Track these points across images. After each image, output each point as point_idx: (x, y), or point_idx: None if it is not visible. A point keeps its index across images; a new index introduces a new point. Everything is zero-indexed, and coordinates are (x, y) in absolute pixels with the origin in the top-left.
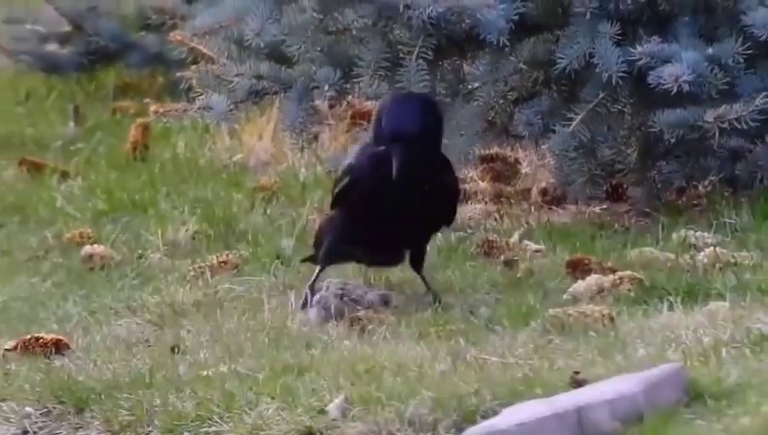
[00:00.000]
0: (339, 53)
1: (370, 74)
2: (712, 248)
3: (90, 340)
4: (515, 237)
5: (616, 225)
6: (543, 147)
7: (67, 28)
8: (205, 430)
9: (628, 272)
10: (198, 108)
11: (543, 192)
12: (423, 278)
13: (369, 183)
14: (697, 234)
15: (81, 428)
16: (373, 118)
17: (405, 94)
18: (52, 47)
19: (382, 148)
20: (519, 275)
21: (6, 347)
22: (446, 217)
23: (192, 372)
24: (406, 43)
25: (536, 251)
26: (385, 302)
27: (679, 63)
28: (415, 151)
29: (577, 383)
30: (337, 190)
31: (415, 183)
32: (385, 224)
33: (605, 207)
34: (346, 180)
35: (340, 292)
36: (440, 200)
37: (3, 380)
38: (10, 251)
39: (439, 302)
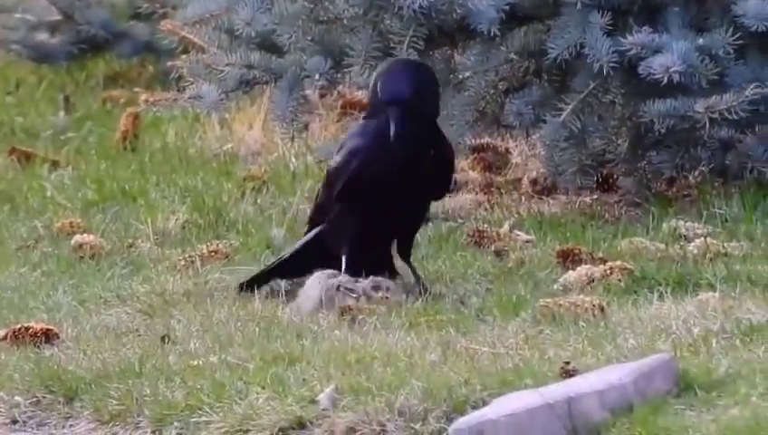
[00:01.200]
0: (329, 42)
1: (361, 64)
2: (702, 239)
3: (79, 329)
4: (506, 227)
5: (606, 215)
6: (534, 137)
7: (57, 17)
8: (194, 419)
9: (619, 262)
10: (189, 97)
11: (534, 182)
12: (411, 267)
13: (377, 159)
14: (688, 224)
15: (70, 417)
16: (370, 85)
17: (399, 60)
18: (42, 36)
19: (377, 119)
20: (509, 266)
21: None
22: (441, 188)
23: (182, 362)
24: (397, 32)
25: (527, 241)
26: (376, 288)
27: (670, 54)
28: (411, 114)
29: (567, 373)
30: (344, 178)
31: (414, 147)
32: (388, 204)
33: (595, 197)
34: (355, 163)
35: (334, 281)
36: (437, 170)
37: None
38: (0, 241)
39: (428, 291)
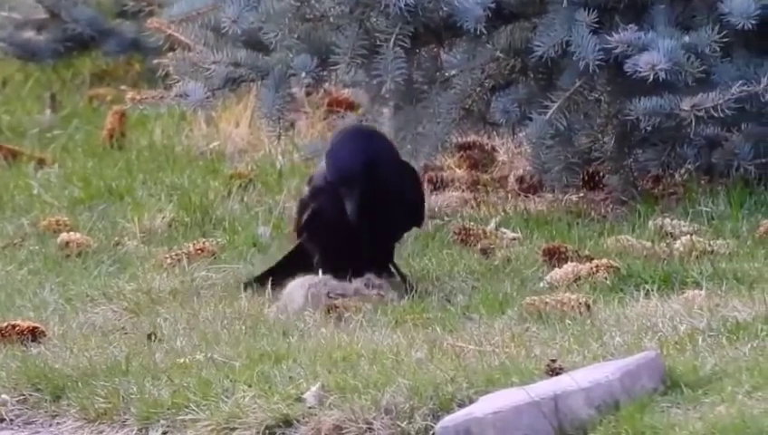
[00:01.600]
0: (316, 40)
1: (347, 62)
2: (688, 236)
3: (66, 327)
4: (492, 225)
5: (592, 213)
6: (520, 135)
7: (43, 15)
8: (181, 417)
9: (605, 260)
10: (175, 95)
11: (520, 180)
12: (395, 266)
13: (333, 213)
14: (674, 222)
15: (57, 415)
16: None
17: (347, 132)
18: (28, 34)
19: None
20: (496, 263)
21: None
22: (413, 224)
23: (168, 360)
24: (383, 30)
25: (513, 239)
26: (368, 285)
27: (656, 52)
28: (366, 186)
29: (553, 371)
30: (306, 217)
31: (377, 212)
32: (354, 239)
33: (581, 195)
34: (315, 205)
35: (322, 288)
36: (406, 215)
37: None
38: None
39: (414, 289)
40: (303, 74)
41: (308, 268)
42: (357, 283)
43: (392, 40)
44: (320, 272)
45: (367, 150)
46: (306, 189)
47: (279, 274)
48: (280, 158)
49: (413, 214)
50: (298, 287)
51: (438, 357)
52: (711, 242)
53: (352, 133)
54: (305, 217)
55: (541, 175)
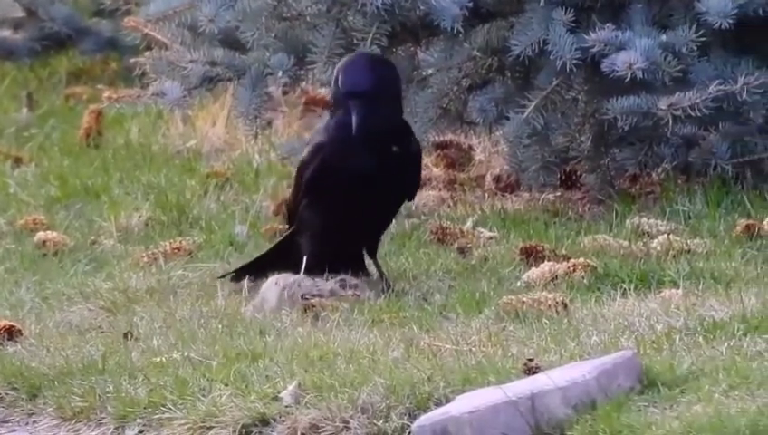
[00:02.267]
0: (293, 39)
1: (324, 61)
2: (665, 236)
3: (43, 326)
4: (469, 224)
5: (569, 212)
6: (497, 134)
7: (20, 14)
8: (158, 416)
9: (582, 259)
10: (152, 94)
11: (497, 179)
12: (377, 263)
13: (341, 153)
14: (651, 221)
15: (33, 414)
16: (332, 80)
17: (361, 53)
18: (4, 33)
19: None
20: (473, 262)
21: None
22: (410, 187)
23: (145, 359)
24: (360, 29)
25: (490, 238)
26: (343, 286)
27: (633, 51)
28: (373, 106)
29: (530, 370)
30: (309, 174)
31: (378, 142)
32: (356, 201)
33: (558, 194)
34: (319, 158)
35: (296, 290)
36: (403, 165)
37: None
38: None
39: (392, 289)
40: (280, 73)
41: (288, 266)
42: (332, 283)
43: (369, 39)
44: (304, 260)
45: (380, 71)
46: (303, 154)
47: (258, 270)
48: (257, 157)
49: (411, 165)
50: (272, 286)
51: (415, 356)
52: (688, 241)
53: (364, 54)
54: (307, 175)
55: (518, 174)
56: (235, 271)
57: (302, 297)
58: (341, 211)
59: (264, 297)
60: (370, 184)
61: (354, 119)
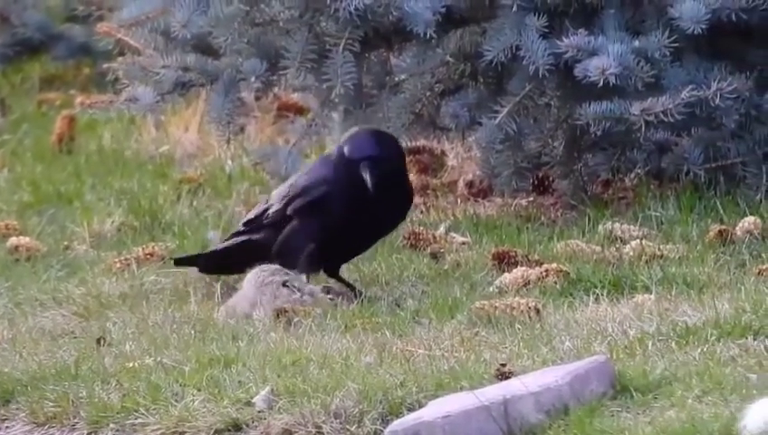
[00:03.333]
0: (265, 44)
1: (297, 66)
2: (638, 241)
3: (15, 331)
4: (442, 230)
5: (542, 217)
6: (470, 139)
7: None
8: (131, 421)
9: (555, 264)
10: (125, 99)
11: (470, 184)
12: (341, 278)
13: (348, 194)
14: (624, 226)
15: (6, 419)
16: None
17: (362, 128)
18: None
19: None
20: (445, 268)
21: None
22: (403, 215)
23: (118, 364)
24: (332, 34)
25: (462, 243)
26: (327, 291)
27: (606, 56)
28: (382, 168)
29: (503, 376)
30: (310, 199)
31: (386, 194)
32: (356, 229)
33: (531, 199)
34: (323, 189)
35: (285, 278)
36: (401, 207)
37: None
38: None
39: (363, 295)
40: (253, 79)
41: (251, 262)
42: (314, 286)
43: (342, 44)
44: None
45: (383, 138)
46: (300, 181)
47: (216, 262)
48: (229, 162)
49: (408, 201)
50: (250, 278)
51: (388, 361)
52: (661, 246)
53: (367, 128)
54: (306, 200)
55: (490, 179)
56: (189, 256)
57: (283, 284)
58: (339, 236)
59: (243, 293)
60: (363, 223)
61: (369, 180)
